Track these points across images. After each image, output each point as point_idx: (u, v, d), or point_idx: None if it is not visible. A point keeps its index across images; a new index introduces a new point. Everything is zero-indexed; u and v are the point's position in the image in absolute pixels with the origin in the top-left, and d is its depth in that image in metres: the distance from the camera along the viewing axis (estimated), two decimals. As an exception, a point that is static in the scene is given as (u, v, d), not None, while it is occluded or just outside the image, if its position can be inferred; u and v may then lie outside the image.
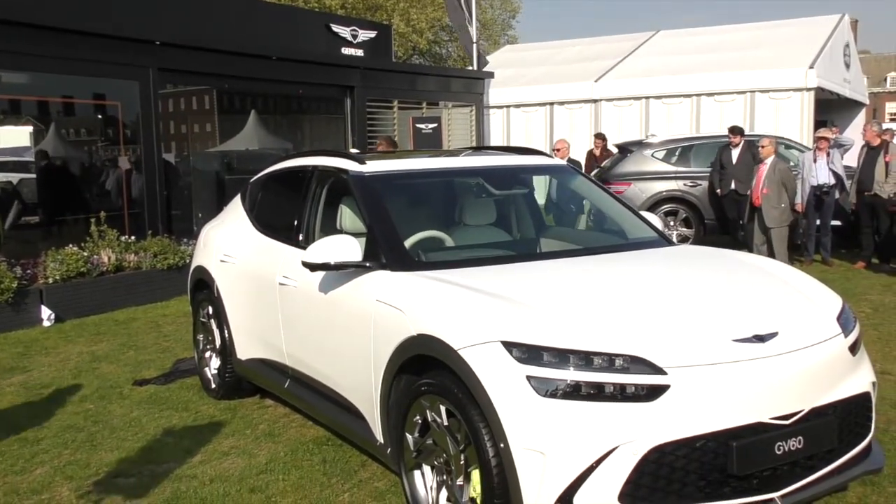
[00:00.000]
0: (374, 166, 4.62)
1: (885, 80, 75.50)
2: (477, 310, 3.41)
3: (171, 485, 4.36)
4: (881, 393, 5.31)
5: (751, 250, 9.78)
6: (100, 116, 11.42)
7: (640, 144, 13.10)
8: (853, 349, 3.60)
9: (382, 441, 3.94)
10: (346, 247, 4.06)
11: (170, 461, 4.70)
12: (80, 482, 4.44)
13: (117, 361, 6.96)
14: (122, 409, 5.67)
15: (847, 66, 19.89)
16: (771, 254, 9.77)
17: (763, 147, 10.39)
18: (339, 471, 4.47)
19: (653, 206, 12.09)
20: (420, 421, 3.64)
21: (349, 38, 14.80)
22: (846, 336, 3.58)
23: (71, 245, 9.07)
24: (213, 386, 5.85)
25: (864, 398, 3.56)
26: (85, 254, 9.04)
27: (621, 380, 3.08)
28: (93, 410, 5.66)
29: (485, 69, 17.73)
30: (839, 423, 3.42)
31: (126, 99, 10.60)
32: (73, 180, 11.04)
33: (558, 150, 11.93)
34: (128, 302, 9.22)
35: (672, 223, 12.21)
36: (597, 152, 13.99)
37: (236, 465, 4.61)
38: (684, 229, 12.25)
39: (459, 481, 3.43)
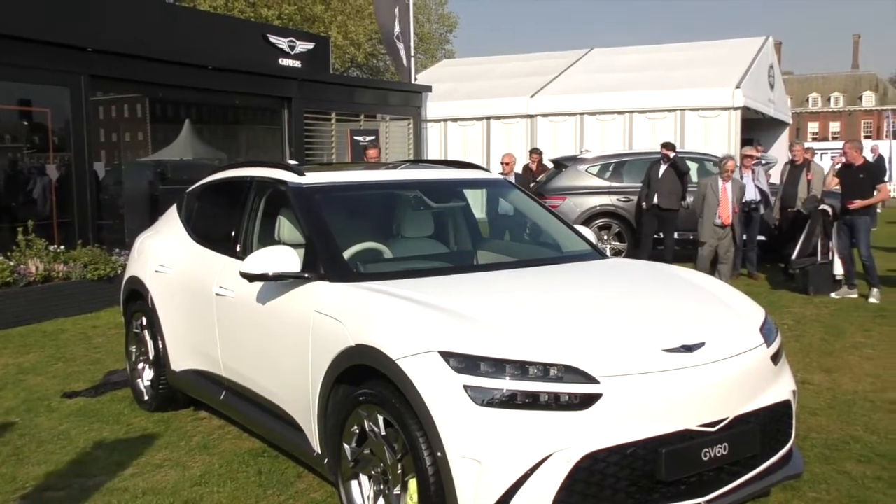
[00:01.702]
0: (312, 178, 4.64)
1: (808, 100, 78.29)
2: (415, 320, 3.46)
3: (101, 498, 4.29)
4: (801, 402, 5.55)
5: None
6: (27, 123, 11.13)
7: (574, 160, 13.35)
8: (775, 359, 3.76)
9: (319, 451, 3.95)
10: (284, 257, 4.07)
11: (100, 474, 4.62)
12: (7, 496, 4.33)
13: (45, 373, 6.80)
14: (51, 422, 5.54)
15: (772, 86, 20.62)
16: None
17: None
18: (275, 482, 4.46)
19: (587, 220, 12.32)
20: (357, 431, 3.66)
21: (287, 49, 14.75)
22: (768, 346, 3.73)
23: (-4, 255, 8.84)
24: (146, 398, 5.76)
25: (785, 406, 3.71)
26: (11, 263, 8.81)
27: (556, 389, 3.16)
28: (19, 424, 5.52)
29: (420, 83, 17.84)
30: (762, 430, 3.55)
31: (56, 106, 10.37)
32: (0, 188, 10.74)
33: (507, 163, 12.10)
34: (56, 313, 9.00)
35: (605, 237, 12.46)
36: (533, 167, 14.21)
37: (169, 478, 4.55)
38: (617, 243, 12.52)
39: (397, 490, 3.46)
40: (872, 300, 9.40)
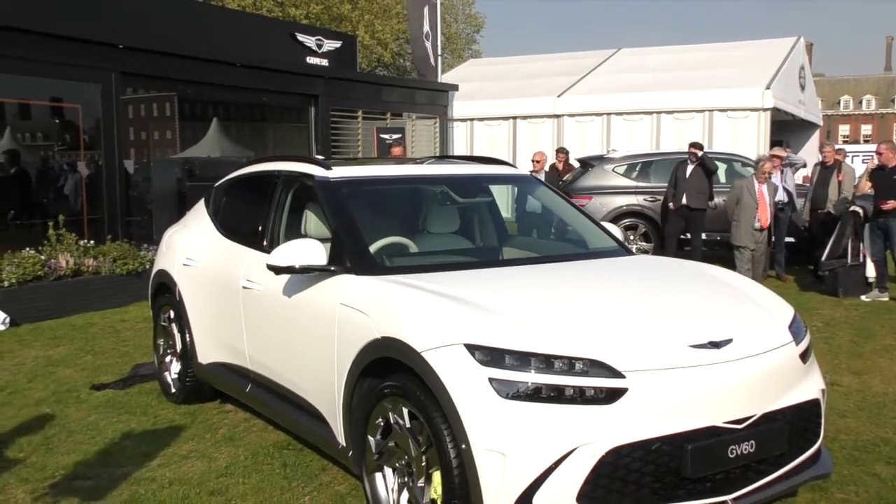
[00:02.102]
0: (339, 172, 4.66)
1: (839, 102, 77.37)
2: (440, 313, 3.47)
3: (129, 487, 4.34)
4: (831, 403, 5.47)
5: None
6: (59, 120, 11.28)
7: (601, 159, 13.28)
8: (804, 357, 3.72)
9: (344, 444, 3.96)
10: (311, 250, 4.09)
11: (128, 464, 4.67)
12: (36, 485, 4.39)
13: (74, 366, 6.88)
14: (80, 413, 5.61)
15: (802, 87, 20.40)
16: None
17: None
18: (300, 474, 4.49)
19: (613, 220, 12.23)
20: (382, 423, 3.67)
21: (314, 47, 14.81)
22: (797, 344, 3.69)
23: (28, 248, 8.95)
24: (173, 390, 5.81)
25: (813, 405, 3.67)
26: (42, 257, 8.93)
27: (581, 383, 3.15)
28: (49, 414, 5.59)
29: (446, 81, 17.85)
30: (789, 428, 3.52)
31: (87, 102, 10.49)
32: (31, 184, 10.88)
33: (538, 161, 12.12)
34: (86, 307, 9.11)
35: (632, 237, 12.38)
36: (559, 166, 14.15)
37: (196, 469, 4.59)
38: (643, 243, 12.44)
39: (421, 483, 3.47)
40: (906, 303, 9.28)
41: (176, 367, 5.79)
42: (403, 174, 5.17)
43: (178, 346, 5.71)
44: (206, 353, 5.42)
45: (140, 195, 12.93)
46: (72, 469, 4.61)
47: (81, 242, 9.53)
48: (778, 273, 11.20)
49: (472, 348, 3.23)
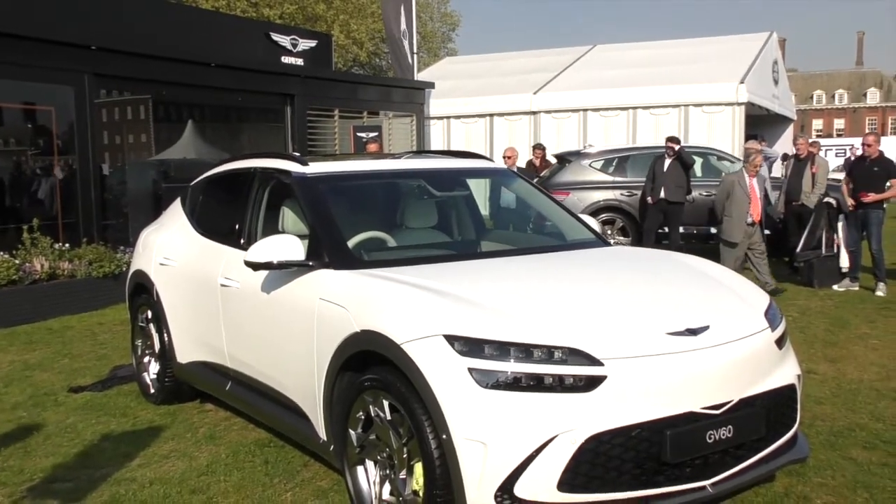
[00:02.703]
0: (316, 167, 4.65)
1: (812, 97, 78.19)
2: (419, 305, 3.48)
3: (109, 488, 4.31)
4: (807, 391, 5.54)
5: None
6: (31, 122, 11.16)
7: (578, 155, 13.35)
8: (780, 343, 3.76)
9: (325, 438, 3.96)
10: (289, 246, 4.08)
11: (108, 466, 4.63)
12: (14, 488, 4.35)
13: (51, 369, 6.82)
14: (58, 416, 5.56)
15: (776, 82, 20.59)
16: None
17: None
18: (282, 471, 4.47)
19: (590, 214, 12.24)
20: (363, 417, 3.68)
21: (289, 46, 14.77)
22: (773, 330, 3.73)
23: (1, 253, 8.85)
24: (153, 391, 5.78)
25: (789, 390, 3.72)
26: (17, 261, 8.84)
27: (560, 371, 3.17)
28: (26, 418, 5.54)
29: (422, 80, 17.86)
30: (766, 413, 3.56)
31: (60, 105, 10.39)
32: (4, 188, 10.75)
33: (509, 157, 12.16)
34: (62, 310, 9.02)
35: (609, 232, 12.45)
36: (536, 162, 14.19)
37: (177, 468, 4.57)
38: (621, 238, 12.51)
39: (402, 475, 3.48)
40: (879, 293, 9.38)
41: (155, 367, 5.76)
42: (380, 169, 5.17)
43: (157, 347, 5.68)
44: (185, 353, 5.40)
45: (116, 198, 12.83)
46: (50, 472, 4.57)
47: (57, 246, 9.44)
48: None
49: (451, 339, 3.24)
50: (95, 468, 4.61)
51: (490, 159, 5.59)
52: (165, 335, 5.53)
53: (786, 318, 7.09)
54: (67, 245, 9.63)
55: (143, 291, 5.86)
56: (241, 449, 4.82)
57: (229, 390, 4.92)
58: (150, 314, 5.77)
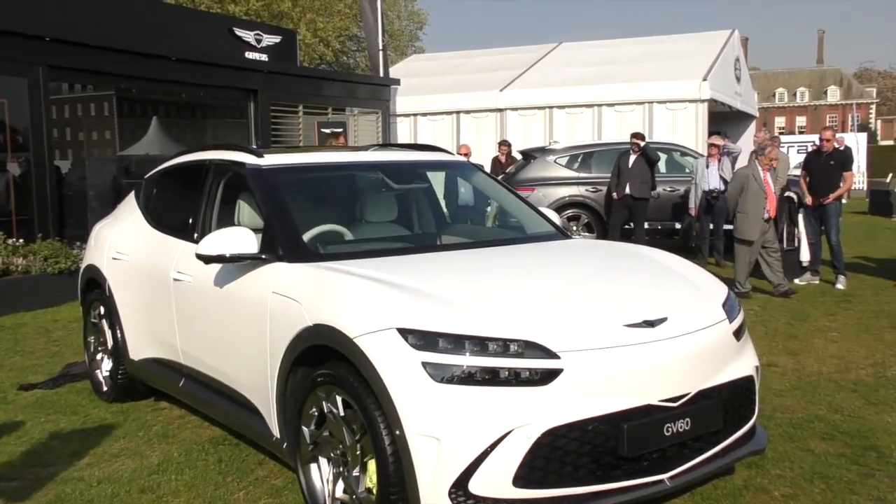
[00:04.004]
0: (271, 159, 4.55)
1: (774, 95, 79.21)
2: (373, 298, 3.40)
3: (56, 487, 4.18)
4: (767, 384, 5.56)
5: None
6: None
7: (543, 151, 13.34)
8: (738, 334, 3.74)
9: (279, 436, 3.87)
10: (241, 238, 3.99)
11: (55, 464, 4.50)
12: (-43, 489, 4.21)
13: (1, 367, 6.64)
14: (6, 415, 5.40)
15: (738, 79, 20.75)
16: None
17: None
18: (235, 469, 4.37)
19: (556, 210, 12.25)
20: (316, 413, 3.59)
21: (253, 42, 14.61)
22: (731, 322, 3.71)
23: (-47, 249, 8.63)
24: (105, 389, 5.64)
25: (747, 381, 3.69)
26: (-32, 257, 8.62)
27: (515, 364, 3.11)
28: (-28, 417, 5.38)
29: (390, 77, 17.76)
30: (724, 405, 3.53)
31: (13, 97, 10.14)
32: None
33: (465, 154, 12.12)
34: (16, 307, 8.81)
35: (574, 227, 12.46)
36: (502, 159, 14.19)
37: (126, 467, 4.45)
38: (586, 233, 12.52)
39: (356, 472, 3.40)
40: (839, 286, 9.47)
41: (107, 364, 5.62)
42: (337, 161, 5.08)
43: (110, 343, 5.54)
44: (138, 350, 5.27)
45: (75, 194, 12.60)
46: (-5, 471, 4.44)
47: (10, 241, 9.21)
48: (717, 260, 11.36)
49: (404, 332, 3.17)
50: (42, 467, 4.47)
51: (450, 152, 5.51)
52: (118, 331, 5.39)
53: (747, 312, 7.13)
54: (21, 241, 9.39)
55: (95, 287, 5.72)
56: (195, 447, 4.70)
57: (182, 387, 4.80)
58: (102, 310, 5.63)
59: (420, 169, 5.31)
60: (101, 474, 4.35)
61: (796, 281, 9.82)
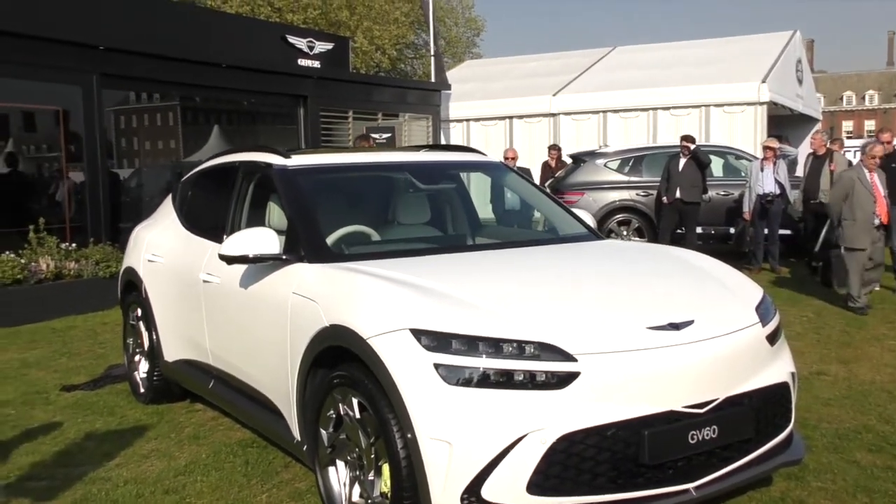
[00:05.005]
0: (298, 160, 4.54)
1: (842, 98, 77.06)
2: (387, 298, 3.33)
3: (83, 487, 4.21)
4: (815, 392, 5.34)
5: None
6: (40, 123, 11.13)
7: (593, 154, 13.14)
8: (772, 339, 3.56)
9: (299, 438, 3.83)
10: (264, 239, 3.97)
11: (86, 464, 4.54)
12: (-12, 486, 4.27)
13: (48, 368, 6.76)
14: (45, 415, 5.48)
15: (800, 81, 20.18)
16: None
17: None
18: (261, 472, 4.35)
19: (606, 215, 12.11)
20: (334, 416, 3.54)
21: (305, 49, 14.72)
22: (764, 325, 3.54)
23: (7, 252, 8.84)
24: (142, 390, 5.69)
25: (782, 388, 3.52)
26: (22, 260, 8.82)
27: (531, 367, 3.01)
28: (13, 416, 5.47)
29: (444, 82, 17.76)
30: (756, 412, 3.37)
31: (68, 105, 10.36)
32: (12, 189, 10.72)
33: (512, 158, 12.03)
34: (68, 311, 8.98)
35: (625, 232, 12.23)
36: (552, 163, 14.03)
37: (154, 468, 4.46)
38: (636, 238, 12.28)
39: (371, 476, 3.33)
40: (901, 293, 9.09)
41: (144, 366, 5.66)
42: (364, 161, 5.03)
43: (146, 345, 5.59)
44: (172, 351, 5.30)
45: (132, 200, 12.85)
46: (28, 470, 4.49)
47: (63, 245, 9.41)
48: (772, 266, 11.02)
49: (417, 333, 3.10)
50: (73, 467, 4.51)
51: (482, 153, 5.42)
52: (154, 333, 5.43)
53: (801, 318, 6.87)
54: (74, 245, 9.59)
55: (133, 289, 5.78)
56: (223, 449, 4.70)
57: (212, 388, 4.81)
58: (139, 312, 5.68)
59: (448, 169, 5.22)
60: (129, 475, 4.37)
61: (855, 287, 9.43)
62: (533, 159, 15.31)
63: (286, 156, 4.55)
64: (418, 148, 5.53)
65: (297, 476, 4.27)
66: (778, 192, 10.77)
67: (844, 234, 8.31)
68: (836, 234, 8.79)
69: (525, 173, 9.85)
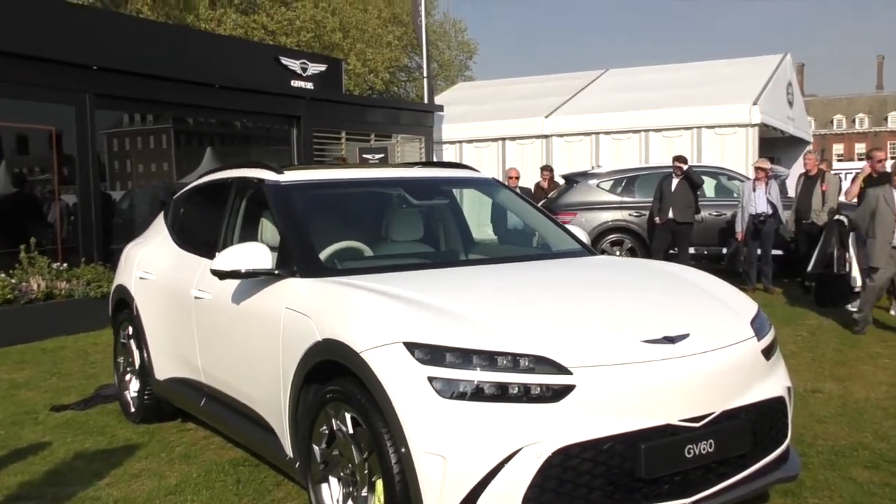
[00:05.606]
0: (290, 176, 4.52)
1: (832, 121, 77.63)
2: (380, 312, 3.31)
3: (72, 507, 4.15)
4: (810, 409, 5.32)
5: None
6: (32, 142, 11.08)
7: (585, 175, 13.18)
8: (767, 353, 3.55)
9: (291, 455, 3.78)
10: (256, 254, 3.94)
11: (75, 484, 4.47)
12: (-24, 507, 4.21)
13: (37, 388, 6.70)
14: (34, 435, 5.42)
15: (790, 103, 20.33)
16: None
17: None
18: (252, 490, 4.29)
19: (598, 235, 12.11)
20: (327, 431, 3.50)
21: (299, 70, 14.77)
22: (759, 340, 3.52)
23: (-2, 272, 8.79)
24: (133, 409, 5.63)
25: (778, 402, 3.50)
26: (13, 280, 8.76)
27: (526, 380, 2.99)
28: (2, 436, 5.40)
29: (437, 104, 17.82)
30: (752, 427, 3.34)
31: (60, 124, 10.35)
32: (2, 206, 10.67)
33: (515, 177, 12.12)
34: (58, 331, 8.91)
35: (618, 252, 12.24)
36: (544, 184, 14.06)
37: (145, 487, 4.40)
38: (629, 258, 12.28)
39: (364, 492, 3.29)
40: (893, 312, 9.09)
41: (135, 385, 5.62)
42: (356, 177, 5.03)
43: (137, 363, 5.54)
44: (163, 369, 5.25)
45: (124, 221, 12.81)
46: (16, 489, 4.43)
47: (55, 265, 9.36)
48: (765, 286, 11.02)
49: (411, 346, 3.07)
50: (63, 486, 4.45)
51: (475, 169, 5.42)
52: (144, 351, 5.38)
53: (795, 337, 6.87)
54: (65, 265, 9.54)
55: (124, 307, 5.74)
56: (214, 468, 4.64)
57: (203, 406, 4.76)
58: (130, 330, 5.64)
59: (441, 185, 5.22)
60: (119, 494, 4.31)
61: (849, 307, 9.45)
62: (526, 180, 15.32)
63: (279, 171, 4.54)
64: (412, 164, 5.53)
65: (290, 494, 4.22)
66: (770, 212, 10.81)
67: (868, 251, 8.32)
68: (865, 252, 8.61)
69: (525, 193, 9.88)
